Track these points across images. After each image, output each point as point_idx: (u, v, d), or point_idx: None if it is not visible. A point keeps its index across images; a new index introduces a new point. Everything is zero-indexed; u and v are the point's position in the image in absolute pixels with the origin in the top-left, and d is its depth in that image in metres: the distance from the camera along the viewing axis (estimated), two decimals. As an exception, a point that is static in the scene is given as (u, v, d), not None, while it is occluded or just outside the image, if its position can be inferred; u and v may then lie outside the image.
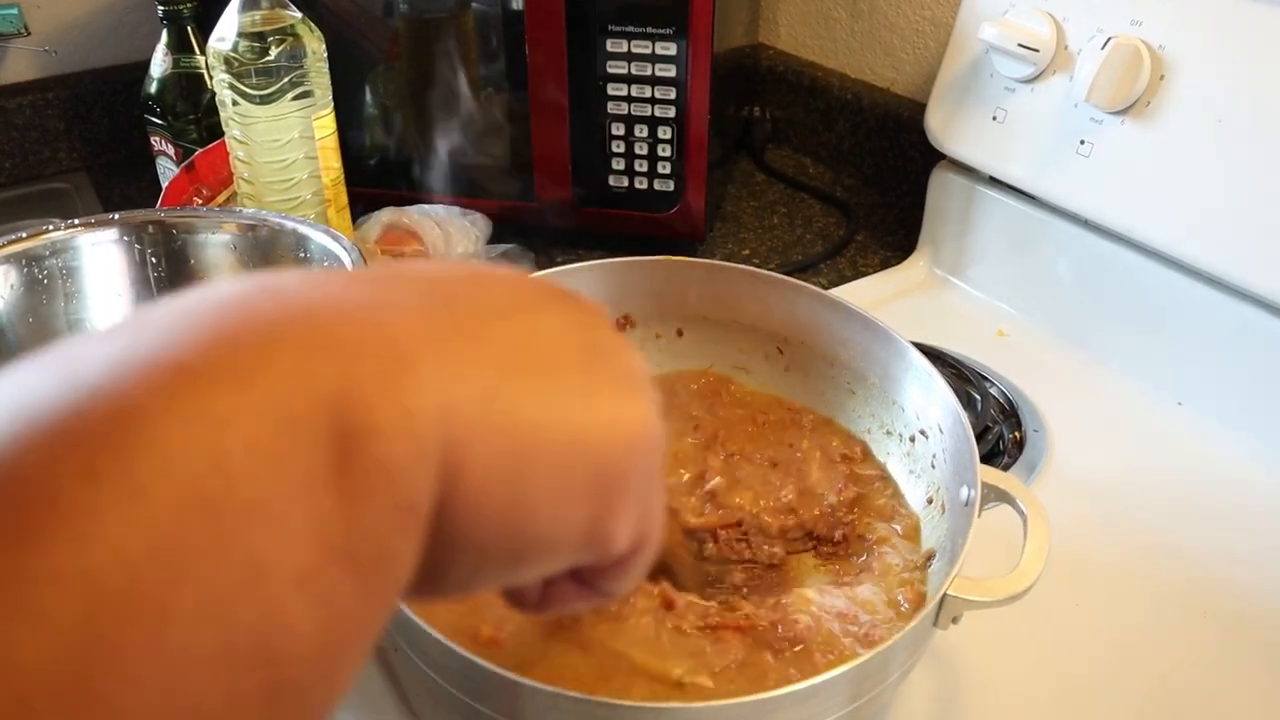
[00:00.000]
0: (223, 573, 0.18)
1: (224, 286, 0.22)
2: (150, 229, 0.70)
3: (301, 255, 0.70)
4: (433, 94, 0.98)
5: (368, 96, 0.98)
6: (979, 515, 0.48)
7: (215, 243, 0.72)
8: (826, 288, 0.89)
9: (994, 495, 0.50)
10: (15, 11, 1.12)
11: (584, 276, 0.66)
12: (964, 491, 0.50)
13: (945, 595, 0.44)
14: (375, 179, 0.97)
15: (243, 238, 0.72)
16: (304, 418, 0.20)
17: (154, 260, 0.70)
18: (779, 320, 0.66)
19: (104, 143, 1.23)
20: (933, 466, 0.57)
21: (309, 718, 0.21)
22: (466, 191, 0.95)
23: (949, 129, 0.87)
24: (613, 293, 0.67)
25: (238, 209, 0.80)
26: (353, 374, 0.21)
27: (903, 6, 1.05)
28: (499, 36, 0.92)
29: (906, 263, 0.95)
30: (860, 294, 0.90)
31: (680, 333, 0.69)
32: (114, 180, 1.19)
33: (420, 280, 0.25)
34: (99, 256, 0.69)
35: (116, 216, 0.70)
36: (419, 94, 0.98)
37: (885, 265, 0.95)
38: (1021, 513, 0.49)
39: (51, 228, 0.68)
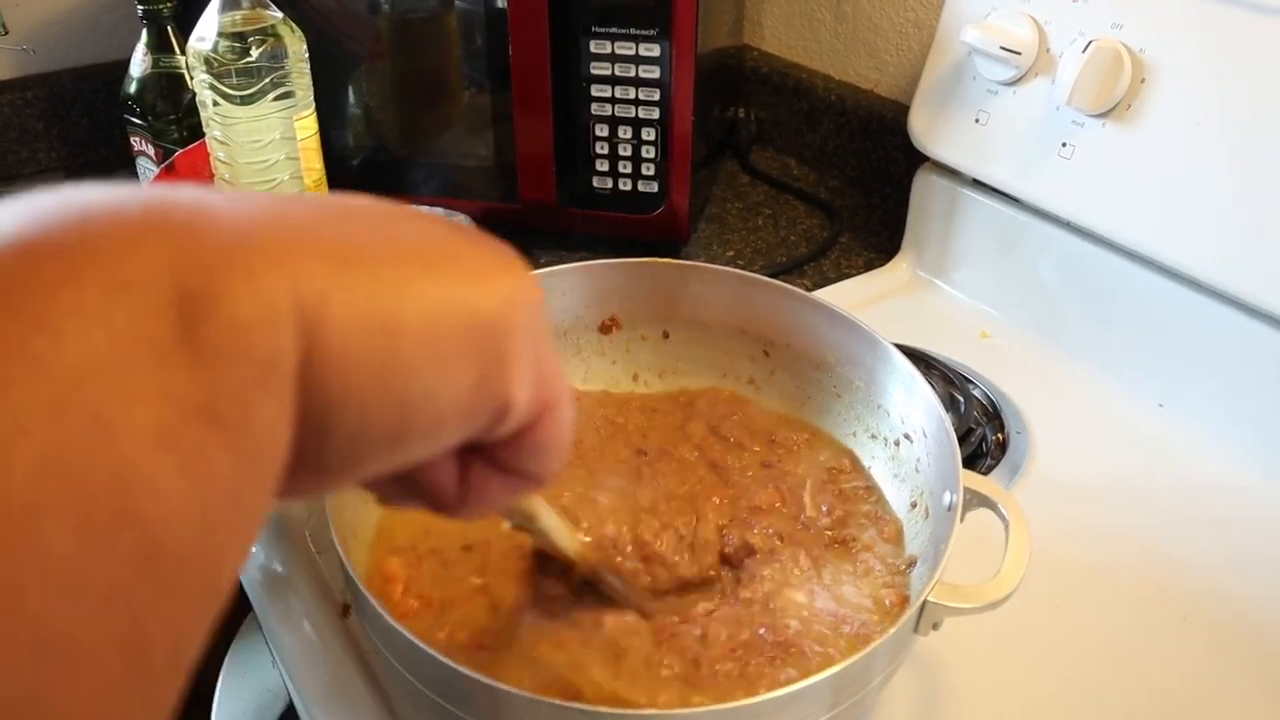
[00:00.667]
0: (62, 429, 0.18)
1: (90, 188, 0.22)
2: None
3: None
4: (416, 94, 0.97)
5: (350, 96, 0.98)
6: (960, 520, 0.48)
7: None
8: (810, 289, 0.89)
9: (976, 500, 0.50)
10: (-7, 10, 1.11)
11: (568, 278, 0.66)
12: (946, 496, 0.50)
13: (926, 601, 0.44)
14: (358, 180, 0.97)
15: None
16: (137, 284, 0.19)
17: None
18: (765, 323, 0.66)
19: (84, 142, 1.22)
20: (917, 471, 0.57)
21: (196, 594, 0.20)
22: (450, 192, 0.94)
23: (932, 131, 0.88)
24: (598, 294, 0.67)
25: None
26: (194, 248, 0.20)
27: (886, 8, 1.05)
28: (482, 36, 0.91)
29: (890, 264, 0.95)
30: (844, 296, 0.90)
31: (666, 335, 0.69)
32: (93, 180, 1.18)
33: (286, 198, 0.25)
34: None
35: None
36: (402, 94, 0.97)
37: (869, 267, 0.95)
38: (1003, 518, 0.49)
39: None
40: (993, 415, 0.77)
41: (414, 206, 0.27)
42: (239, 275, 0.21)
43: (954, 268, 0.91)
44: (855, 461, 0.62)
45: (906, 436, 0.59)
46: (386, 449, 0.25)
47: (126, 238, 0.20)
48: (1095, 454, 0.74)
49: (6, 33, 1.13)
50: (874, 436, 0.62)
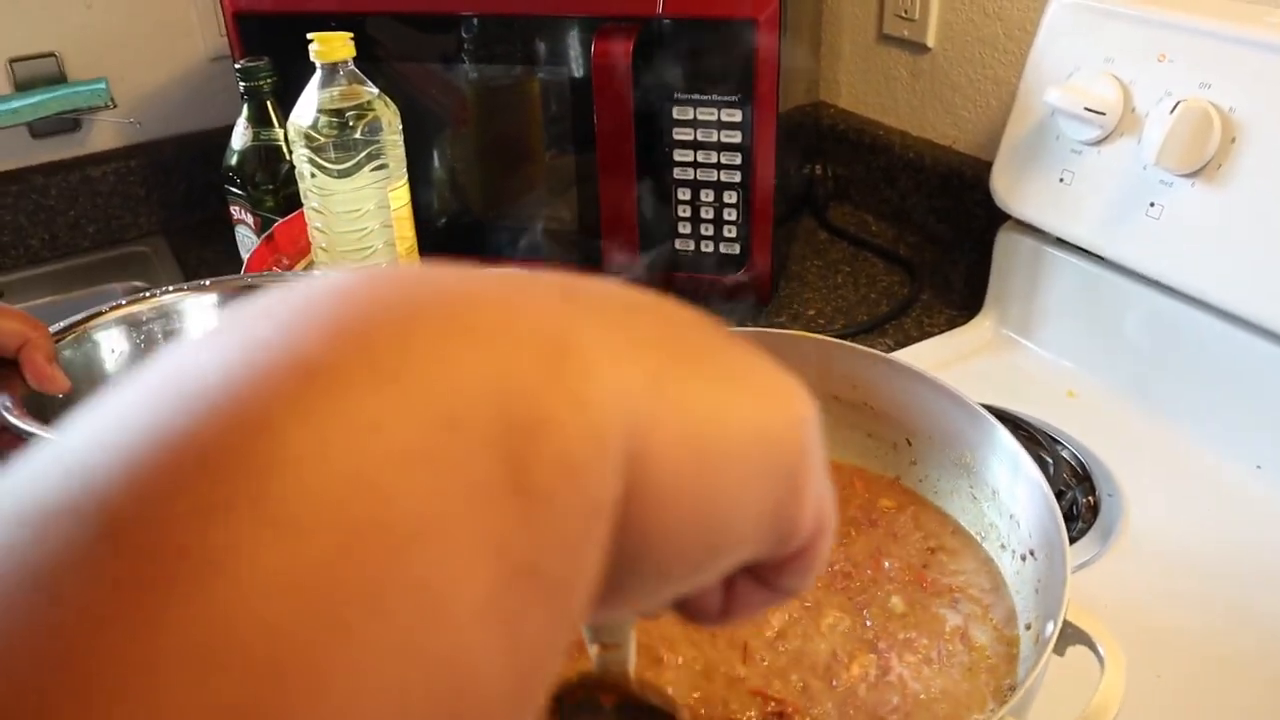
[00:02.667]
0: (390, 615, 0.15)
1: (338, 275, 0.19)
2: (244, 294, 0.72)
3: None
4: (499, 158, 1.00)
5: (436, 161, 1.01)
6: (1054, 653, 0.45)
7: None
8: (892, 348, 0.90)
9: (1073, 635, 0.47)
10: (103, 86, 1.17)
11: None
12: (1048, 626, 0.47)
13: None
14: (444, 243, 1.00)
15: None
16: (462, 414, 0.17)
17: None
18: (910, 413, 0.65)
19: (181, 207, 1.28)
20: (1036, 591, 0.55)
21: None
22: (533, 254, 0.97)
23: (1015, 191, 0.87)
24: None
25: (316, 272, 0.82)
26: (509, 361, 0.18)
27: (964, 66, 1.05)
28: (565, 102, 0.94)
29: (973, 322, 0.94)
30: (927, 355, 0.90)
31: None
32: (190, 244, 1.23)
33: (531, 276, 0.22)
34: (197, 320, 0.72)
35: (209, 283, 0.73)
36: (486, 158, 1.00)
37: (951, 325, 0.95)
38: (1100, 657, 0.46)
39: (154, 293, 0.71)
40: (1083, 477, 0.76)
41: (660, 297, 0.26)
42: (567, 400, 0.18)
43: (1039, 326, 0.91)
44: (997, 581, 0.59)
45: (1031, 553, 0.56)
46: (683, 581, 0.23)
47: (445, 355, 0.17)
48: (1191, 517, 0.72)
49: (115, 106, 1.19)
50: (1003, 546, 0.60)
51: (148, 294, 0.71)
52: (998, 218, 0.93)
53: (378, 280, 0.19)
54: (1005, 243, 0.92)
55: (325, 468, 0.15)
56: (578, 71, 0.91)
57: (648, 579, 0.22)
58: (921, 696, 0.52)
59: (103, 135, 1.25)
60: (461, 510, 0.16)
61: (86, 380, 0.65)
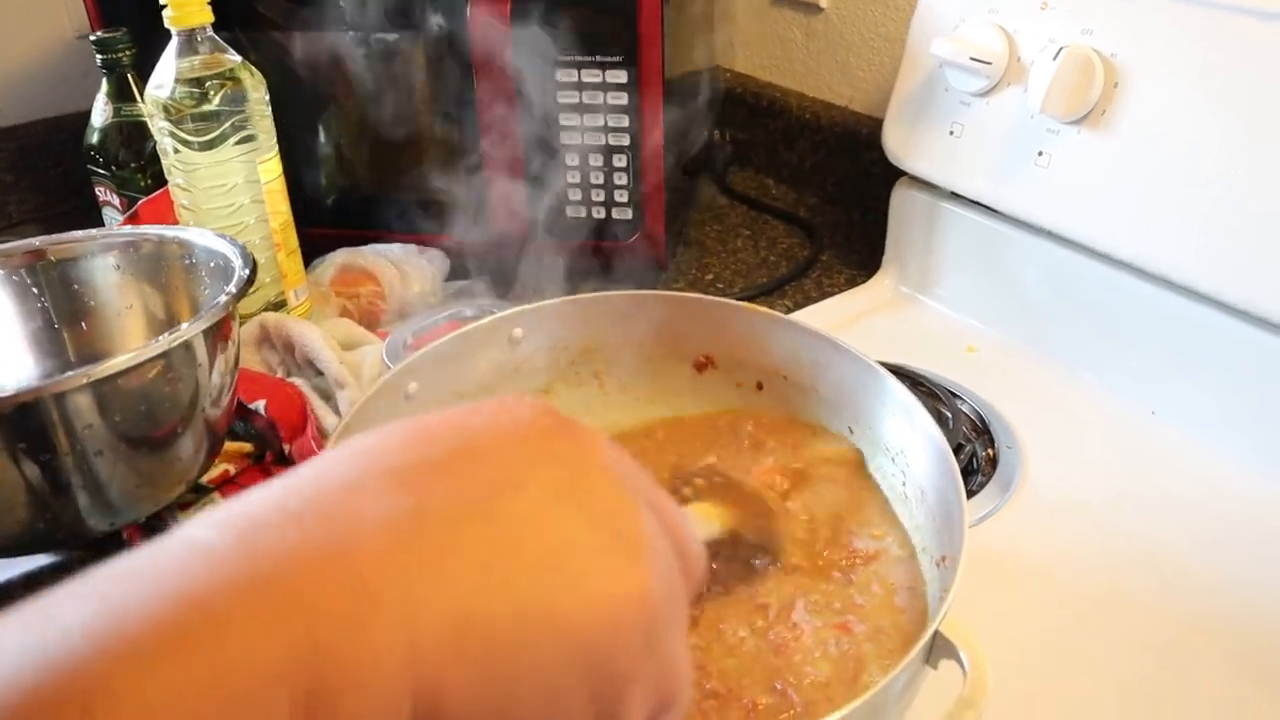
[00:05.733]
0: None
1: (214, 524, 0.23)
2: (33, 260, 0.67)
3: (189, 262, 0.67)
4: (384, 131, 0.96)
5: (319, 136, 0.96)
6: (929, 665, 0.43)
7: (101, 265, 0.69)
8: (792, 309, 0.88)
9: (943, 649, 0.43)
10: (-43, 66, 1.10)
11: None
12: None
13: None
14: (329, 219, 0.96)
15: (126, 255, 0.69)
16: (269, 681, 0.20)
17: (41, 291, 0.67)
18: (807, 372, 0.63)
19: (55, 193, 1.21)
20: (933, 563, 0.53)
21: None
22: (422, 229, 0.93)
23: (907, 146, 0.86)
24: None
25: (118, 229, 0.77)
26: (317, 630, 0.21)
27: (856, 25, 1.04)
28: (448, 70, 0.90)
29: (872, 281, 0.93)
30: (826, 314, 0.88)
31: (760, 385, 0.66)
32: (67, 231, 1.17)
33: (394, 473, 0.25)
34: None
35: None
36: (370, 132, 0.96)
37: (851, 284, 0.94)
38: (964, 668, 0.42)
39: None
40: (982, 430, 0.75)
41: (501, 414, 0.27)
42: (365, 664, 0.21)
43: (936, 282, 0.90)
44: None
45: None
46: None
47: (258, 629, 0.21)
48: (1088, 465, 0.72)
49: (-28, 88, 1.12)
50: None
51: None
52: (895, 176, 0.92)
53: (227, 544, 0.22)
54: (900, 200, 0.91)
55: None
56: (458, 34, 0.87)
57: None
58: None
59: (-37, 121, 1.17)
60: None
61: None
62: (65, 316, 0.67)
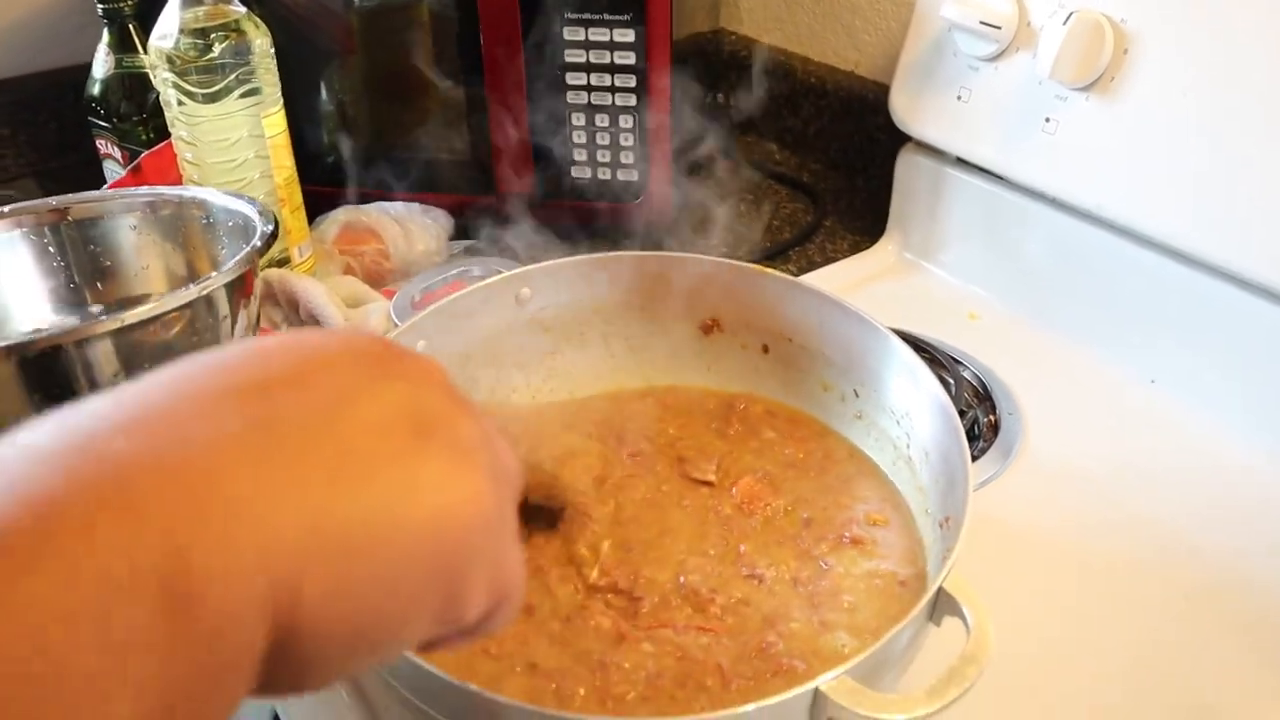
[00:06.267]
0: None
1: (45, 432, 0.23)
2: (53, 220, 0.67)
3: (208, 221, 0.67)
4: (388, 88, 0.95)
5: (322, 92, 0.95)
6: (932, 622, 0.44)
7: (121, 225, 0.70)
8: (796, 274, 0.88)
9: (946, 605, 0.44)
10: (-47, 15, 1.09)
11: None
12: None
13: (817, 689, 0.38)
14: (332, 176, 0.95)
15: (145, 216, 0.69)
16: (126, 582, 0.20)
17: (61, 250, 0.68)
18: (813, 336, 0.64)
19: (53, 147, 1.20)
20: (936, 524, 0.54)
21: None
22: (426, 187, 0.92)
23: (914, 110, 0.86)
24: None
25: (136, 188, 0.77)
26: (175, 531, 0.21)
27: (864, -13, 1.03)
28: (454, 27, 0.89)
29: (876, 247, 0.93)
30: (830, 279, 0.89)
31: (766, 349, 0.66)
32: (64, 186, 1.16)
33: (241, 391, 0.25)
34: (7, 249, 0.66)
35: (6, 210, 0.67)
36: (374, 88, 0.95)
37: (855, 250, 0.94)
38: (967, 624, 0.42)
39: None
40: (984, 397, 0.75)
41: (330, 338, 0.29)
42: (220, 562, 0.22)
43: (940, 248, 0.90)
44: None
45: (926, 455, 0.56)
46: (358, 667, 0.27)
47: (116, 529, 0.21)
48: (1088, 433, 0.73)
49: (-32, 38, 1.11)
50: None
51: None
52: (900, 142, 0.92)
53: (74, 444, 0.22)
54: (906, 165, 0.91)
55: (7, 630, 0.19)
56: (464, -6, 0.86)
57: (322, 671, 0.25)
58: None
59: (-41, 71, 1.16)
60: (114, 665, 0.20)
61: None
62: (85, 275, 0.67)
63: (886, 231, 0.94)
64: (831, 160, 1.09)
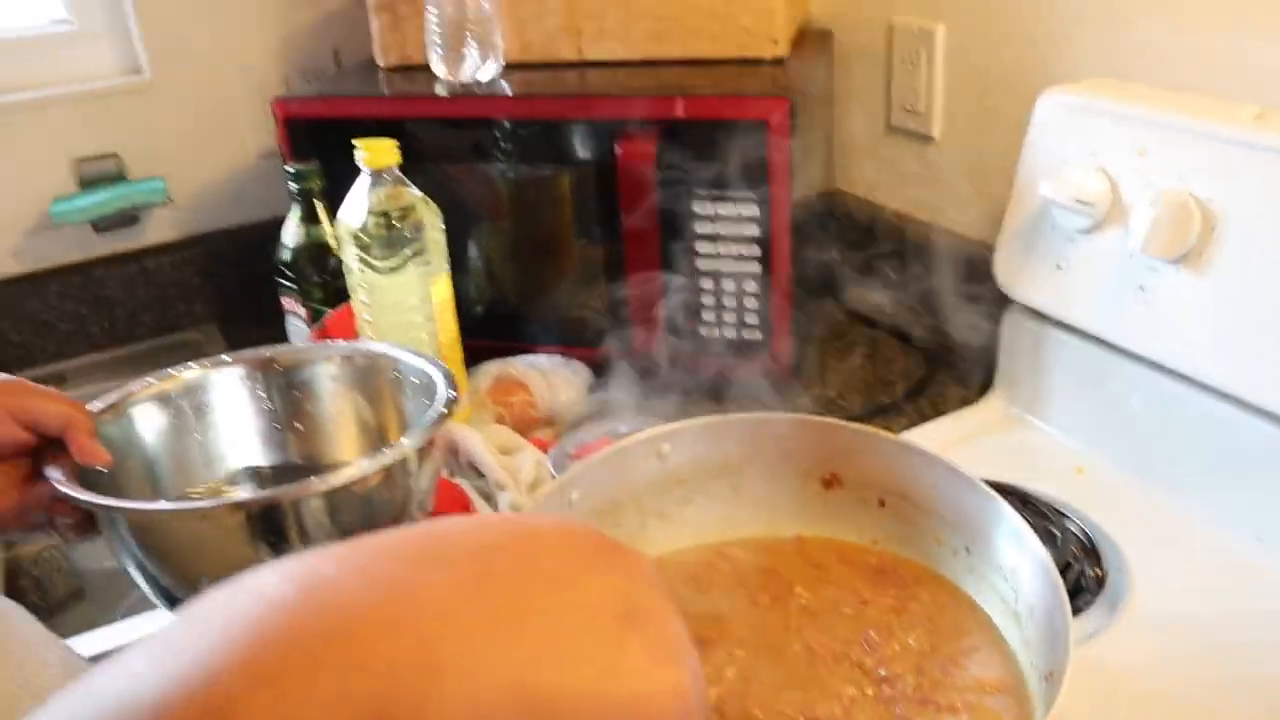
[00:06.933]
0: None
1: (269, 586, 0.25)
2: (265, 367, 0.77)
3: (396, 376, 0.76)
4: (534, 250, 1.07)
5: (473, 253, 1.07)
6: None
7: (322, 374, 0.78)
8: (908, 427, 0.94)
9: None
10: (161, 185, 1.26)
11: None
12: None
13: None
14: (481, 330, 1.06)
15: (343, 368, 0.78)
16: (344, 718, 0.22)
17: (269, 393, 0.77)
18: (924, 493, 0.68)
19: (234, 295, 1.35)
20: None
21: None
22: (565, 341, 1.03)
23: (1016, 277, 0.93)
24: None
25: (335, 341, 0.88)
26: (389, 694, 0.23)
27: (967, 156, 1.11)
28: (593, 197, 1.00)
29: (983, 402, 0.99)
30: (941, 432, 0.94)
31: (882, 503, 0.71)
32: (243, 330, 1.30)
33: (462, 554, 0.27)
34: (224, 393, 0.76)
35: (229, 358, 0.78)
36: (521, 250, 1.07)
37: (964, 403, 1.00)
38: None
39: (181, 370, 0.76)
40: (1089, 550, 0.79)
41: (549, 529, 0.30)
42: (432, 714, 0.23)
43: (1046, 405, 0.95)
44: None
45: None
46: None
47: (336, 686, 0.23)
48: (1195, 589, 0.75)
49: (171, 201, 1.27)
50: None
51: (174, 371, 0.75)
52: (1005, 298, 0.98)
53: (299, 599, 0.24)
54: (1011, 325, 0.97)
55: None
56: (604, 169, 0.97)
57: None
58: None
59: (159, 227, 1.33)
60: None
61: (125, 452, 0.70)
62: (287, 416, 0.76)
63: (994, 387, 1.00)
64: (941, 315, 1.15)
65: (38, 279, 1.28)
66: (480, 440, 0.83)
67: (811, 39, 1.19)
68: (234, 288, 1.35)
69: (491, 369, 0.97)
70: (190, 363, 0.76)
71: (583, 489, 0.67)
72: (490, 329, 1.06)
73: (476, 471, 0.83)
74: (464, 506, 0.79)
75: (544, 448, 0.87)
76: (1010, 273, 0.93)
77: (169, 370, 0.75)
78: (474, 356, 1.01)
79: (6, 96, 1.24)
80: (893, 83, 1.18)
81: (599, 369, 1.01)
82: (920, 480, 0.69)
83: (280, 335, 1.09)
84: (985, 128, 1.09)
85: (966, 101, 1.10)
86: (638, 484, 0.71)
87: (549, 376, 0.95)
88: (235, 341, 1.28)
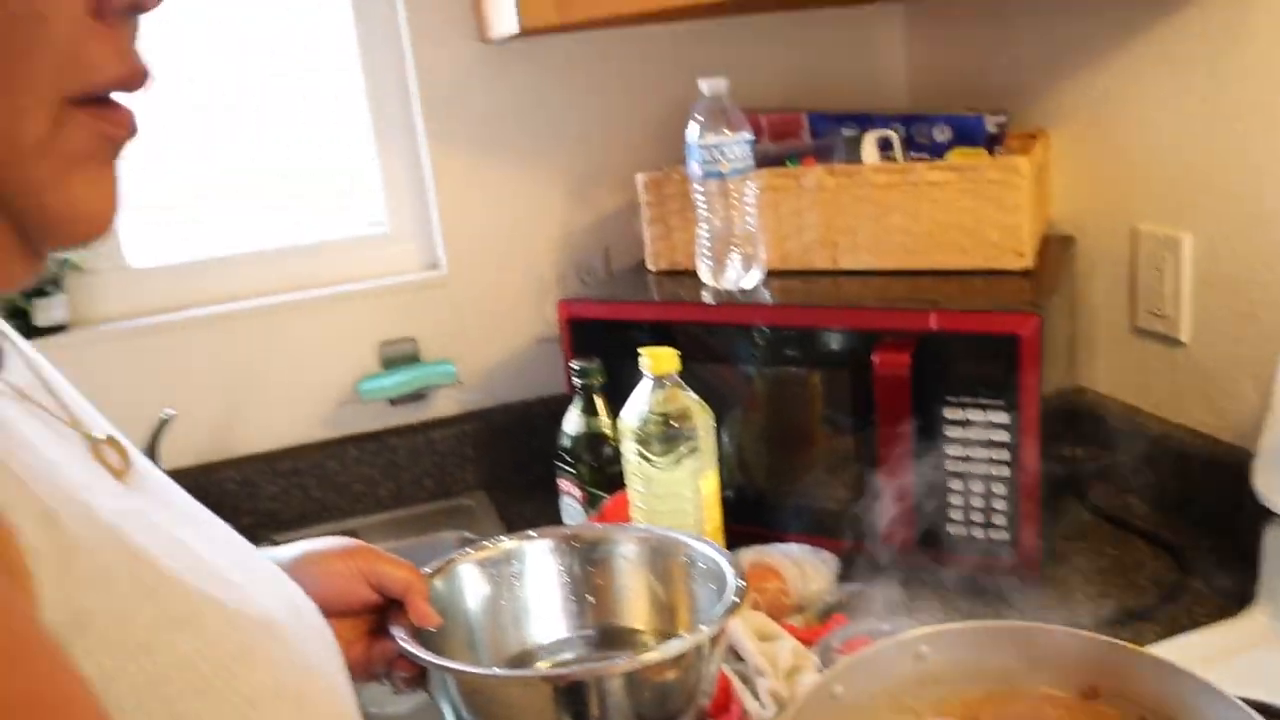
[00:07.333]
0: None
1: None
2: (568, 541, 0.86)
3: (686, 560, 0.83)
4: (784, 442, 1.15)
5: (726, 440, 1.16)
6: None
7: (619, 552, 0.86)
8: (1163, 636, 0.94)
9: None
10: (452, 369, 1.43)
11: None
12: None
13: None
14: (734, 515, 1.14)
15: (639, 547, 0.86)
16: None
17: (569, 565, 0.86)
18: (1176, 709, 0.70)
19: (504, 466, 1.50)
20: None
21: None
22: (815, 531, 1.09)
23: (1278, 490, 0.93)
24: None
25: (631, 525, 0.98)
26: None
27: (1221, 360, 1.12)
28: (844, 396, 1.08)
29: (1244, 615, 0.97)
30: (1198, 647, 0.93)
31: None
32: (510, 500, 1.44)
33: None
34: (534, 563, 0.86)
35: (534, 533, 0.87)
36: (772, 442, 1.15)
37: (1222, 614, 0.98)
38: None
39: (499, 541, 0.86)
40: (1369, 785, 0.77)
41: None
42: None
43: (1315, 622, 0.93)
44: None
45: None
46: None
47: None
48: None
49: (460, 382, 1.45)
50: None
51: (493, 541, 0.86)
52: (1263, 507, 0.97)
53: None
54: (1274, 539, 0.96)
55: None
56: (859, 370, 1.05)
57: None
58: None
59: (445, 404, 1.50)
60: None
61: (449, 613, 0.79)
62: (583, 591, 0.85)
63: (1256, 600, 0.98)
64: (1193, 519, 1.14)
65: (340, 444, 1.47)
66: (740, 626, 0.90)
67: (1055, 246, 1.24)
68: (505, 459, 1.50)
69: (747, 555, 1.04)
70: (502, 535, 0.87)
71: (845, 684, 0.73)
72: (742, 514, 1.14)
73: (736, 656, 0.89)
74: (726, 689, 0.86)
75: (794, 634, 0.93)
76: (1272, 487, 0.93)
77: (485, 540, 0.86)
78: (728, 540, 1.08)
79: (330, 289, 1.46)
80: (1137, 286, 1.22)
81: (846, 559, 1.06)
82: (1181, 700, 0.71)
83: (543, 505, 1.22)
84: (1238, 334, 1.10)
85: (1217, 307, 1.12)
86: (896, 682, 0.76)
87: (801, 565, 1.02)
88: (504, 510, 1.42)
